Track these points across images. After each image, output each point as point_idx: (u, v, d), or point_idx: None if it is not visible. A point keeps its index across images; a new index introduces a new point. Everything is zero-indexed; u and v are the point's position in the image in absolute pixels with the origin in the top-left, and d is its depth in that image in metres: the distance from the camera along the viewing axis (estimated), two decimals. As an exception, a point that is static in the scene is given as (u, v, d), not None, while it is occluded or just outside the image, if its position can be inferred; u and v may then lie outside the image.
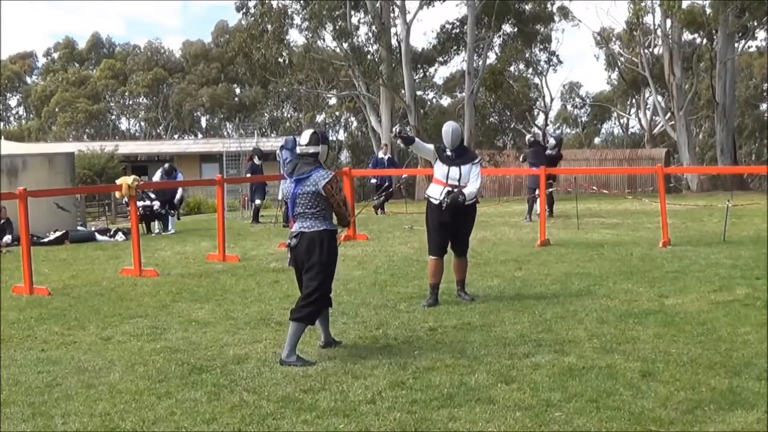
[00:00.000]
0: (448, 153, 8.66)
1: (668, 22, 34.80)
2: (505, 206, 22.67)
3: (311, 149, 6.66)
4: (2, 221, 15.84)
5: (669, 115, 38.97)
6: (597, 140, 60.29)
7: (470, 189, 8.58)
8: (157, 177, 18.93)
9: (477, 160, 8.84)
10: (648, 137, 47.28)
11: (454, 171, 8.59)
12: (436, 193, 8.61)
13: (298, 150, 6.81)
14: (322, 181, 6.59)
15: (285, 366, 6.29)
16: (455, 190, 8.48)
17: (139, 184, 12.81)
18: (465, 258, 8.83)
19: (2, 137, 32.18)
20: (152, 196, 17.79)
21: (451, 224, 8.57)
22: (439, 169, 8.68)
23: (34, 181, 16.20)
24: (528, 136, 22.93)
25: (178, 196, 18.94)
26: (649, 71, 38.85)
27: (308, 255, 6.58)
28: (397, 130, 8.78)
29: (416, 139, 9.03)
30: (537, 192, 17.44)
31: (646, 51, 39.66)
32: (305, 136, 6.74)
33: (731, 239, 13.03)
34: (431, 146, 8.98)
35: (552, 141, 20.36)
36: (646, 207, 19.41)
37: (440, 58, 40.98)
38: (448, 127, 8.79)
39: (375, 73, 34.96)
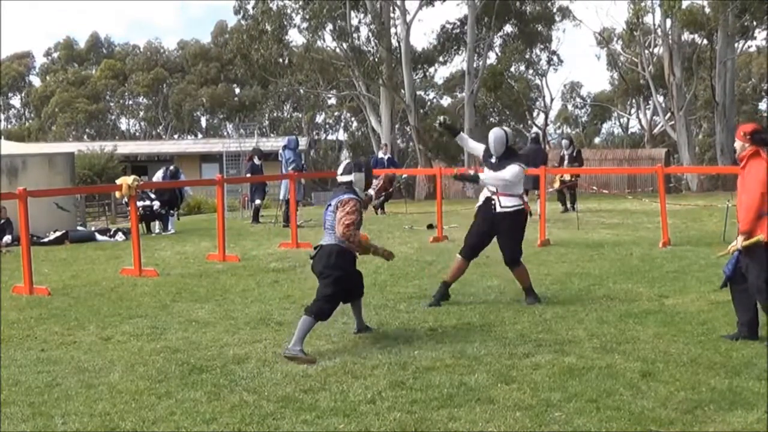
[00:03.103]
0: (492, 160, 8.50)
1: (668, 22, 34.79)
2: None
3: (345, 178, 7.12)
4: (2, 221, 15.83)
5: (669, 115, 38.96)
6: (597, 140, 60.28)
7: (486, 175, 8.41)
8: (159, 176, 18.92)
9: (512, 162, 8.39)
10: (648, 137, 47.25)
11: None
12: (481, 196, 8.59)
13: (338, 179, 7.22)
14: (340, 200, 6.98)
15: (287, 355, 6.46)
16: (494, 197, 8.38)
17: (138, 184, 12.82)
18: (517, 267, 8.50)
19: (2, 137, 32.20)
20: (152, 196, 17.79)
21: (486, 232, 8.48)
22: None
23: (34, 181, 16.19)
24: (533, 130, 22.92)
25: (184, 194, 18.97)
26: (649, 71, 38.84)
27: (321, 264, 7.03)
28: (441, 119, 8.75)
29: (462, 133, 8.96)
30: (536, 193, 17.44)
31: (646, 51, 39.64)
32: (341, 166, 7.23)
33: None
34: (481, 147, 8.82)
35: (565, 141, 20.36)
36: (646, 207, 19.40)
37: (440, 58, 40.97)
38: (491, 135, 8.55)
39: (375, 73, 34.96)
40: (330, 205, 7.13)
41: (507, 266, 8.56)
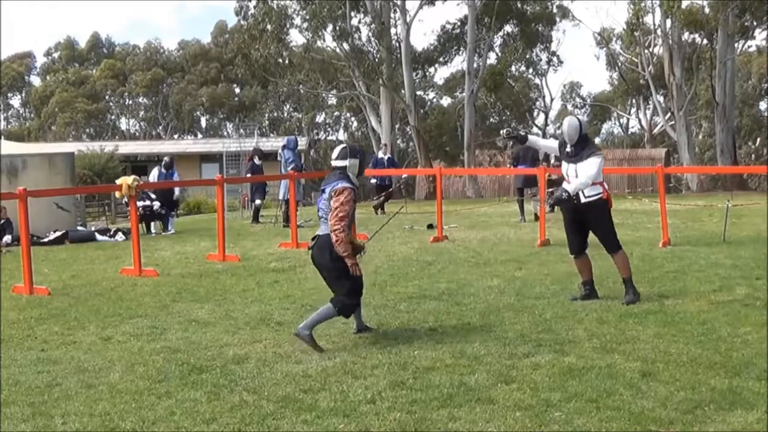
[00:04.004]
0: (568, 149, 8.33)
1: (668, 22, 34.79)
2: (505, 206, 22.67)
3: (339, 163, 7.01)
4: (2, 221, 15.84)
5: (669, 115, 38.96)
6: (597, 140, 60.22)
7: (573, 185, 8.19)
8: (155, 173, 18.95)
9: (590, 153, 8.22)
10: (648, 137, 47.27)
11: (572, 169, 8.26)
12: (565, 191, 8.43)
13: (332, 163, 7.15)
14: (333, 189, 6.87)
15: (295, 334, 6.70)
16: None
17: (138, 184, 12.82)
18: (617, 254, 8.44)
19: (2, 137, 32.20)
20: (152, 196, 17.80)
21: (577, 222, 8.39)
22: (563, 167, 8.42)
23: (34, 181, 16.20)
24: (533, 131, 22.89)
25: (175, 195, 19.02)
26: (649, 71, 38.84)
27: (321, 258, 6.99)
28: (505, 132, 8.73)
29: (530, 136, 8.87)
30: (528, 192, 17.46)
31: (646, 51, 39.64)
32: (336, 150, 7.13)
33: (731, 239, 13.02)
34: (555, 142, 8.74)
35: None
36: (646, 207, 19.40)
37: (440, 59, 40.98)
38: (565, 123, 8.41)
39: (375, 73, 34.96)
40: (324, 191, 7.00)
41: (609, 254, 8.51)
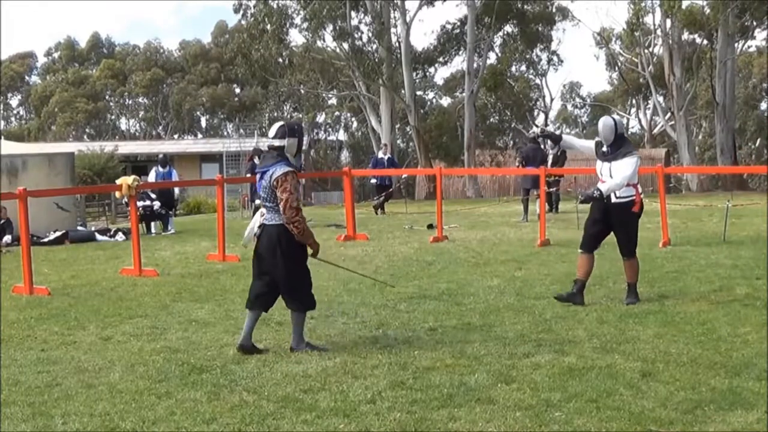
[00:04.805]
0: (604, 149, 8.31)
1: (668, 22, 34.79)
2: (505, 206, 22.68)
3: (276, 142, 6.51)
4: (2, 221, 15.83)
5: (669, 115, 38.96)
6: (597, 140, 60.13)
7: (607, 185, 8.13)
8: (153, 174, 18.99)
9: (625, 153, 8.17)
10: (648, 137, 47.27)
11: (606, 168, 8.21)
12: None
13: (266, 142, 6.74)
14: (274, 176, 6.45)
15: (297, 353, 6.55)
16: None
17: (139, 184, 12.82)
18: (630, 260, 8.39)
19: (2, 137, 32.20)
20: (153, 196, 17.81)
21: (603, 221, 8.30)
22: (597, 166, 8.39)
23: (34, 181, 16.20)
24: (532, 130, 22.86)
25: (176, 195, 19.09)
26: (649, 71, 38.84)
27: (271, 252, 6.61)
28: (539, 130, 8.68)
29: (565, 136, 8.85)
30: (534, 192, 17.46)
31: (646, 51, 39.64)
32: (273, 128, 6.62)
33: (731, 239, 13.03)
34: (591, 142, 8.71)
35: (550, 141, 20.31)
36: (646, 207, 19.36)
37: (440, 59, 40.97)
38: (600, 123, 8.38)
39: (375, 73, 34.96)
40: (263, 174, 6.53)
41: (622, 257, 8.44)
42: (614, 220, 8.31)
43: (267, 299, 6.82)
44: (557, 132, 9.33)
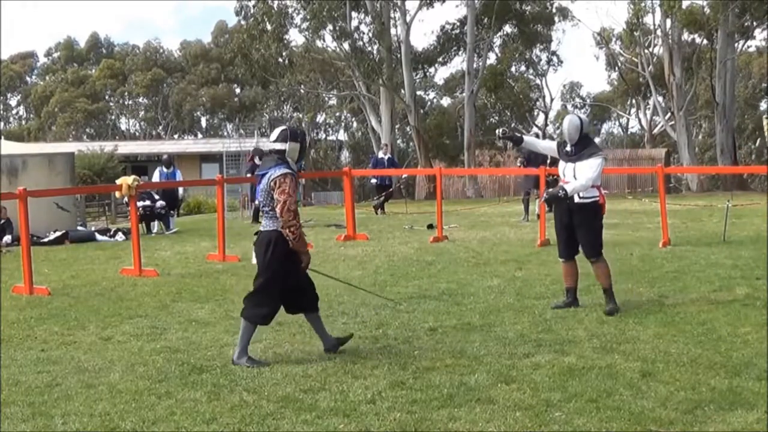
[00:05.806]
0: (568, 149, 8.01)
1: (668, 22, 34.79)
2: (505, 206, 22.68)
3: (277, 146, 6.39)
4: (2, 221, 15.83)
5: (669, 115, 38.96)
6: (597, 140, 59.89)
7: (571, 186, 7.89)
8: (158, 173, 19.00)
9: (590, 154, 7.94)
10: (648, 137, 47.24)
11: (569, 168, 7.97)
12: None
13: (267, 145, 6.67)
14: (272, 177, 6.32)
15: (236, 366, 6.27)
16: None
17: (138, 184, 12.81)
18: (598, 262, 8.05)
19: (2, 137, 32.18)
20: (156, 196, 17.79)
21: (569, 224, 8.05)
22: (560, 167, 8.16)
23: (34, 181, 16.18)
24: (533, 131, 22.84)
25: (180, 194, 19.09)
26: (648, 71, 38.83)
27: (259, 255, 6.46)
28: (500, 132, 8.58)
29: (526, 137, 8.63)
30: (535, 192, 17.45)
31: (646, 51, 39.64)
32: (275, 132, 6.53)
33: (731, 239, 13.03)
34: (553, 143, 8.57)
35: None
36: (646, 207, 19.40)
37: (440, 59, 40.98)
38: (565, 122, 8.13)
39: (375, 73, 34.97)
40: (261, 177, 6.40)
41: (588, 260, 8.15)
42: (576, 221, 8.02)
43: (301, 303, 6.60)
44: (516, 134, 9.10)
